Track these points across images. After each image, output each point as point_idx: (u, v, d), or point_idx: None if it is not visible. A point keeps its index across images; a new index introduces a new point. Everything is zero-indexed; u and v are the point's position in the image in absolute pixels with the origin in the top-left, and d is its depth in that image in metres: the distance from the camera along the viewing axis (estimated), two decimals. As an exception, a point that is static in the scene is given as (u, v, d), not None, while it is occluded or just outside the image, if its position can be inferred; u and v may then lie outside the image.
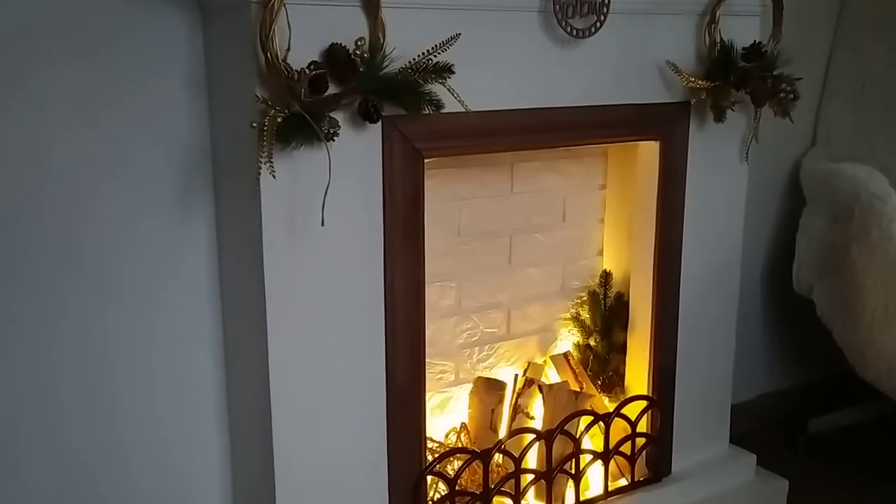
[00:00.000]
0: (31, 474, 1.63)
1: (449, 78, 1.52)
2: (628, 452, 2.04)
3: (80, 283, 1.61)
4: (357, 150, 1.56)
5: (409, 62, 1.50)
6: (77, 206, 1.59)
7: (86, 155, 1.58)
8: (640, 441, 2.06)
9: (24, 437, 1.61)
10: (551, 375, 2.14)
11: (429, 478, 1.80)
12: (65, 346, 1.62)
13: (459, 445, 1.95)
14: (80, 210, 1.59)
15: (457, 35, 1.52)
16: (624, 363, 2.15)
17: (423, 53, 1.51)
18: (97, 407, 1.67)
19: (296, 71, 1.40)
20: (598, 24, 1.75)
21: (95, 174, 1.59)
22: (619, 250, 2.19)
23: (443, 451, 1.87)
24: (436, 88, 1.52)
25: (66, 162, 1.56)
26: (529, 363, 2.14)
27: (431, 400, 2.00)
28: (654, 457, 2.10)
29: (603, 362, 2.17)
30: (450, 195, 1.95)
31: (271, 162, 1.39)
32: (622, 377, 2.15)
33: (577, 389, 2.07)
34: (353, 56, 1.47)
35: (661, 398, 2.09)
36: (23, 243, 1.55)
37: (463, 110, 1.54)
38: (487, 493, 1.85)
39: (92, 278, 1.62)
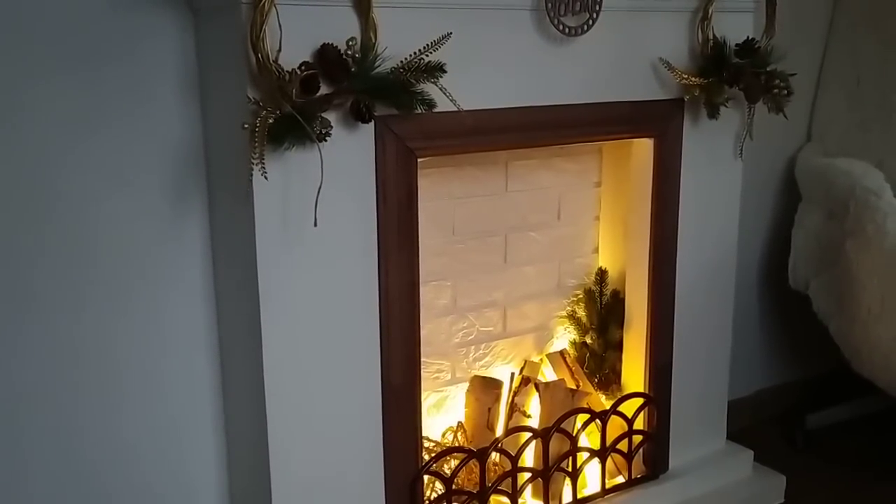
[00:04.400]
0: (37, 469, 1.63)
1: (441, 77, 1.52)
2: (625, 450, 2.05)
3: (77, 287, 1.61)
4: (350, 151, 1.56)
5: (401, 62, 1.50)
6: (72, 211, 1.59)
7: (79, 160, 1.58)
8: (637, 438, 2.06)
9: (27, 433, 1.62)
10: (548, 373, 2.14)
11: (425, 477, 1.80)
12: (63, 349, 1.62)
13: (456, 444, 1.96)
14: (74, 214, 1.59)
15: (448, 34, 1.52)
16: (620, 360, 2.15)
17: (414, 53, 1.51)
18: (98, 407, 1.67)
19: (287, 72, 1.40)
20: (591, 22, 1.75)
21: (89, 179, 1.59)
22: (615, 248, 2.19)
23: (439, 450, 1.87)
24: (428, 88, 1.52)
25: (61, 167, 1.56)
26: (526, 361, 2.14)
27: (428, 399, 2.00)
28: (651, 454, 2.10)
29: (599, 360, 2.17)
30: (444, 194, 1.95)
31: (263, 163, 1.39)
32: (618, 374, 2.16)
33: (574, 387, 2.07)
34: (344, 56, 1.47)
35: (658, 395, 2.09)
36: (20, 248, 1.55)
37: (456, 109, 1.54)
38: (484, 492, 1.85)
39: (88, 282, 1.62)
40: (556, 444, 1.94)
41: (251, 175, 1.40)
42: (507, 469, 1.88)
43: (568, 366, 2.14)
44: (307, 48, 1.46)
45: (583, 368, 2.16)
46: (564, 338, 2.22)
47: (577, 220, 2.20)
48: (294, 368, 1.60)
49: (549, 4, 1.69)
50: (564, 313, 2.21)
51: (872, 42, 2.61)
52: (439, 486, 1.84)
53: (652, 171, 1.99)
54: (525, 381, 2.07)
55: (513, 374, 2.10)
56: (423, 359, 1.76)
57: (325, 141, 1.46)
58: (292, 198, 1.52)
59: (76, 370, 1.64)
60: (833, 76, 2.67)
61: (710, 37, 1.93)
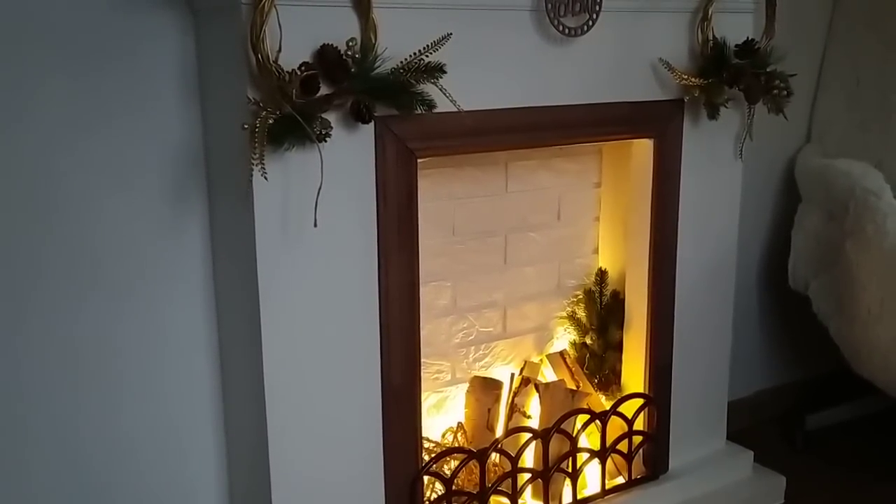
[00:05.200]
0: (37, 469, 1.63)
1: (441, 78, 1.52)
2: (625, 450, 2.05)
3: (77, 287, 1.61)
4: (350, 151, 1.56)
5: (401, 62, 1.50)
6: (72, 211, 1.59)
7: (79, 161, 1.58)
8: (637, 439, 2.06)
9: (28, 435, 1.62)
10: (548, 374, 2.14)
11: (425, 478, 1.80)
12: (63, 350, 1.62)
13: (456, 445, 1.95)
14: (75, 215, 1.59)
15: (448, 35, 1.52)
16: (620, 361, 2.15)
17: (414, 53, 1.51)
18: (98, 407, 1.67)
19: (287, 72, 1.40)
20: (591, 23, 1.75)
21: (89, 179, 1.59)
22: (615, 248, 2.19)
23: (439, 450, 1.87)
24: (428, 88, 1.52)
25: (61, 168, 1.56)
26: (526, 362, 2.14)
27: (428, 400, 2.00)
28: (651, 454, 2.10)
29: (599, 360, 2.17)
30: (444, 195, 1.95)
31: (263, 163, 1.39)
32: (618, 375, 2.16)
33: (574, 388, 2.07)
34: (344, 57, 1.47)
35: (658, 396, 2.09)
36: (20, 248, 1.55)
37: (456, 110, 1.54)
38: (484, 493, 1.85)
39: (88, 282, 1.62)
40: (556, 445, 1.94)
41: (251, 175, 1.40)
42: (507, 470, 1.88)
43: (568, 366, 2.14)
44: (307, 49, 1.46)
45: (583, 369, 2.16)
46: (564, 338, 2.22)
47: (577, 221, 2.20)
48: (294, 369, 1.60)
49: (549, 5, 1.69)
50: (564, 314, 2.21)
51: (872, 43, 2.61)
52: (439, 487, 1.84)
53: (652, 171, 1.99)
54: (525, 381, 2.07)
55: (513, 375, 2.10)
56: (422, 359, 1.76)
57: (325, 141, 1.46)
58: (292, 198, 1.52)
59: (76, 370, 1.64)
60: (833, 77, 2.67)
61: (710, 37, 1.93)
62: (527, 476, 1.92)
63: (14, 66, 1.50)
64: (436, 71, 1.51)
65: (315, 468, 1.66)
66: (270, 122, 1.40)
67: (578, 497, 1.99)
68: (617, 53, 1.85)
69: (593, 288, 2.19)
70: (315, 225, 1.50)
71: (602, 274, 2.18)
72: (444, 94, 1.52)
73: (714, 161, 2.08)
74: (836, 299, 2.43)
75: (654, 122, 1.96)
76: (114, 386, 1.68)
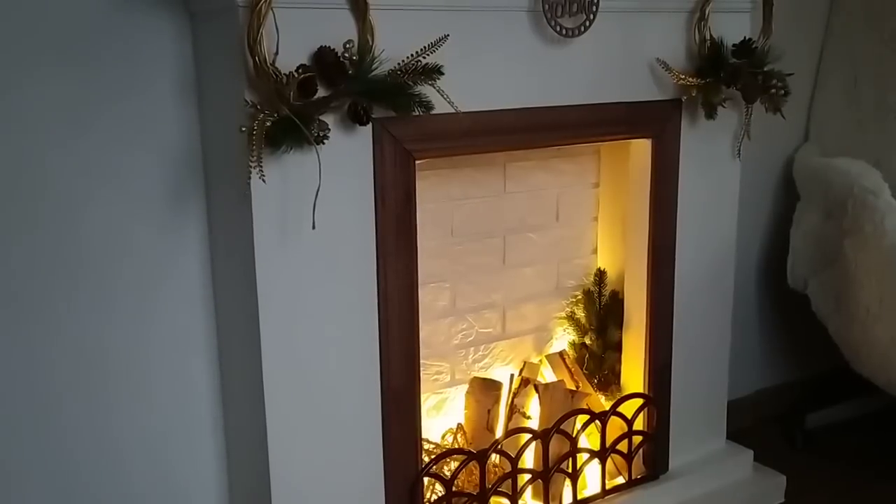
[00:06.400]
0: (30, 476, 1.63)
1: (438, 79, 1.52)
2: (625, 450, 2.05)
3: (75, 289, 1.61)
4: (347, 153, 1.56)
5: (399, 64, 1.50)
6: (69, 213, 1.59)
7: (77, 162, 1.58)
8: (637, 439, 2.06)
9: (22, 441, 1.61)
10: (547, 375, 2.14)
11: (425, 479, 1.80)
12: (61, 352, 1.62)
13: (456, 446, 1.95)
14: (72, 217, 1.59)
15: (445, 36, 1.52)
16: (619, 361, 2.15)
17: (412, 55, 1.51)
18: (94, 411, 1.67)
19: (284, 74, 1.40)
20: (588, 23, 1.75)
21: (87, 181, 1.59)
22: (614, 248, 2.20)
23: (439, 452, 1.87)
24: (425, 90, 1.52)
25: (58, 169, 1.56)
26: (525, 363, 2.14)
27: (427, 401, 2.00)
28: (651, 454, 2.10)
29: (598, 361, 2.17)
30: (442, 196, 1.95)
31: (261, 166, 1.39)
32: (618, 375, 2.16)
33: (574, 388, 2.07)
34: (341, 59, 1.47)
35: (658, 395, 2.09)
36: (15, 250, 1.55)
37: (453, 111, 1.54)
38: (484, 494, 1.85)
39: (86, 285, 1.62)
40: (556, 446, 1.94)
41: (249, 178, 1.40)
42: (507, 470, 1.88)
43: (567, 367, 2.14)
44: (304, 51, 1.46)
45: (582, 369, 2.16)
46: (564, 339, 2.22)
47: (576, 222, 2.20)
48: (293, 371, 1.60)
49: (546, 6, 1.69)
50: (563, 314, 2.21)
51: (870, 42, 2.61)
52: (439, 488, 1.84)
53: (650, 171, 1.99)
54: (524, 382, 2.07)
55: (512, 376, 2.10)
56: (422, 360, 1.76)
57: (323, 143, 1.46)
58: (290, 201, 1.52)
59: (73, 372, 1.64)
60: (830, 76, 2.67)
61: (708, 37, 1.93)
62: (527, 477, 1.92)
63: (10, 68, 1.50)
64: (433, 72, 1.51)
65: (315, 470, 1.66)
66: (268, 124, 1.40)
67: (578, 497, 1.99)
68: (614, 54, 1.85)
69: (592, 288, 2.19)
70: (313, 227, 1.50)
71: (601, 274, 2.18)
72: (442, 96, 1.53)
73: (712, 160, 2.08)
74: (834, 298, 2.43)
75: (652, 122, 1.96)
76: (112, 389, 1.68)
